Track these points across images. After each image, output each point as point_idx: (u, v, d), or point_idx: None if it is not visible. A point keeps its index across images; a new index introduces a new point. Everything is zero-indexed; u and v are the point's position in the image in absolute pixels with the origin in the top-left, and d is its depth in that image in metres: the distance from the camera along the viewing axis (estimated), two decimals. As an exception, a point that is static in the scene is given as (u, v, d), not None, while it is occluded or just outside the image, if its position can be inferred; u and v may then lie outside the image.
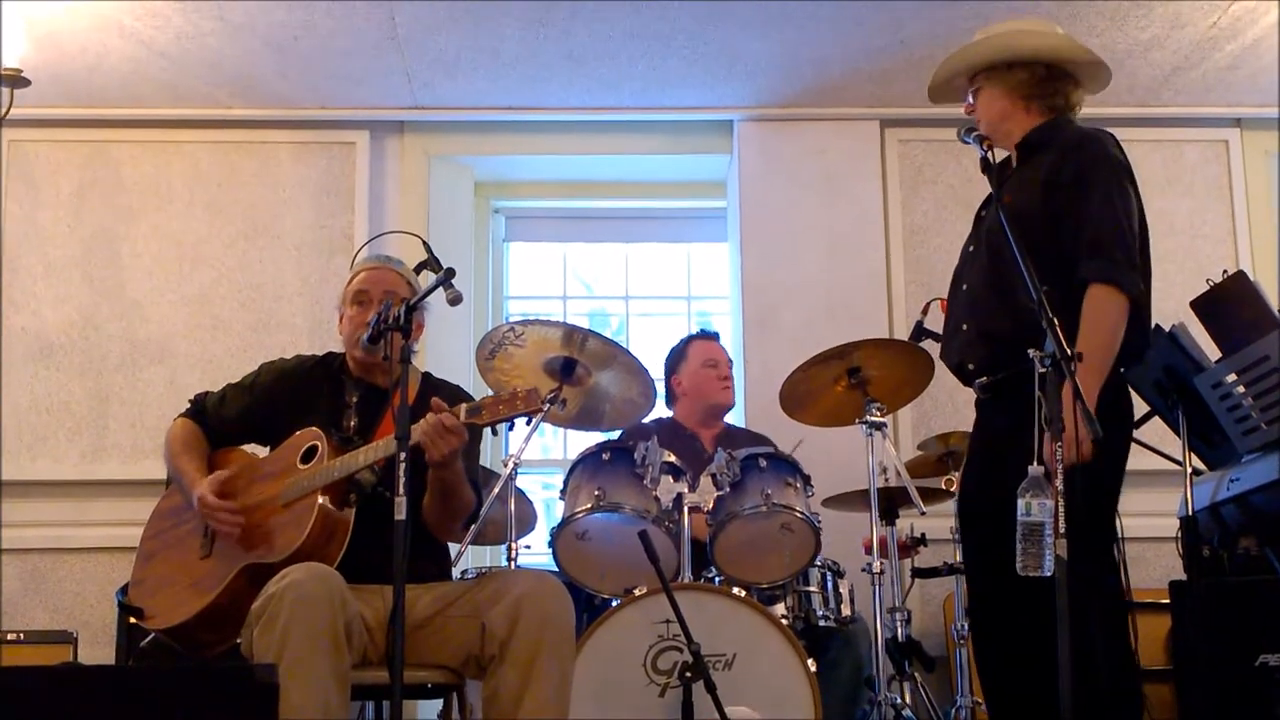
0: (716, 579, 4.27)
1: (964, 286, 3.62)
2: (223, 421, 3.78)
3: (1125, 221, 3.36)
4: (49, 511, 5.74)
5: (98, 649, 5.08)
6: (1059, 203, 3.39)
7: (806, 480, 4.36)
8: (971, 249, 3.65)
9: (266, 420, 3.73)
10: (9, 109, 5.08)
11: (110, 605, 4.97)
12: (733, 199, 6.24)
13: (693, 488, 4.29)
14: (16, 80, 5.03)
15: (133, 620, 3.65)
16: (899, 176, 6.12)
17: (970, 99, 3.69)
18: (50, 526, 5.72)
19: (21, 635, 4.97)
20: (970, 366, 3.52)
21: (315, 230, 6.02)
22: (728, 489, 4.27)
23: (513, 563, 4.42)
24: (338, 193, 6.05)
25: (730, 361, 5.27)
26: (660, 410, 5.17)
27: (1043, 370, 2.88)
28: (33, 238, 5.95)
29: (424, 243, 3.68)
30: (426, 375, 3.82)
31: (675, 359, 5.26)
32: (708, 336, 5.34)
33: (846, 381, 4.51)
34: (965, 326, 3.56)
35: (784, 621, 4.07)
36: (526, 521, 4.99)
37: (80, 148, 6.04)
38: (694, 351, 5.23)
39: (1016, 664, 3.37)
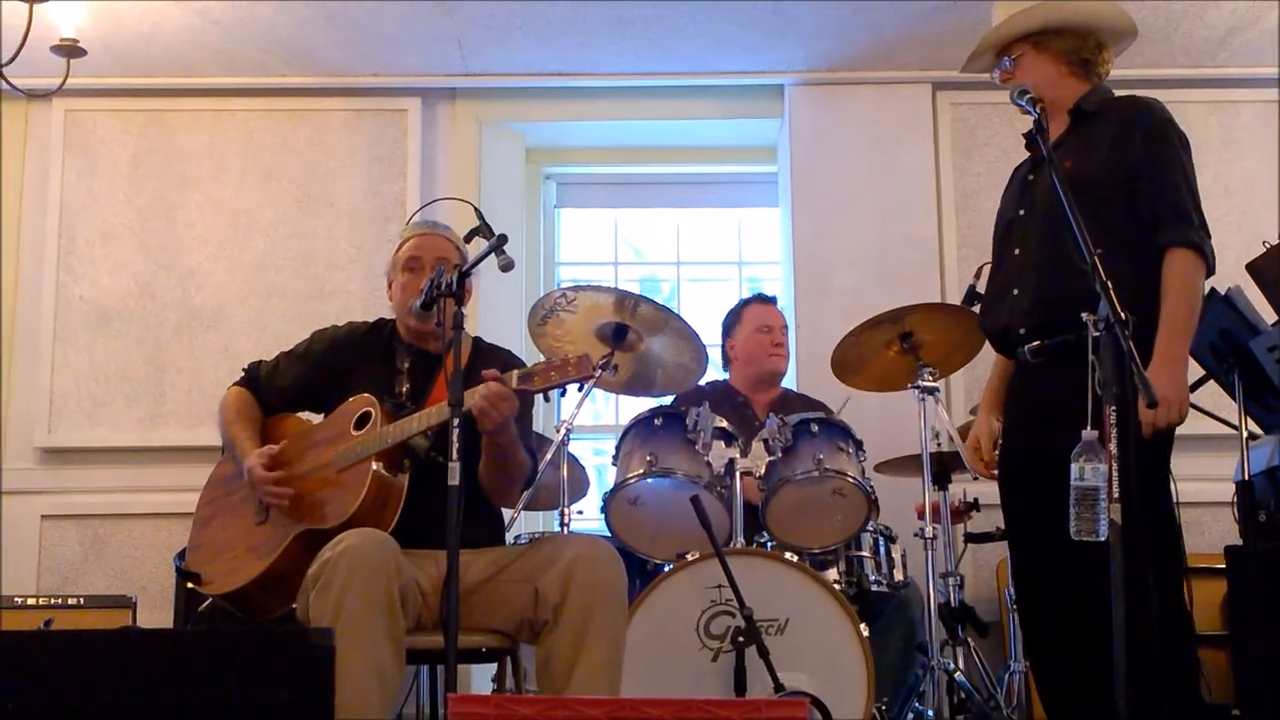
0: (768, 544, 4.28)
1: (1015, 251, 3.59)
2: (276, 390, 3.81)
3: (1195, 188, 3.41)
4: (108, 478, 5.82)
5: (156, 613, 5.15)
6: (1129, 169, 3.41)
7: (859, 445, 4.35)
8: (1022, 213, 3.63)
9: (319, 387, 3.75)
10: (66, 79, 5.11)
11: (168, 570, 5.03)
12: (784, 164, 6.21)
13: (745, 453, 4.29)
14: (73, 50, 5.06)
15: (190, 585, 3.70)
16: (951, 140, 6.08)
17: (1006, 66, 3.67)
18: (109, 492, 5.79)
19: (82, 600, 5.04)
20: (1021, 331, 3.50)
21: (368, 198, 6.04)
22: (779, 454, 4.27)
23: (565, 528, 4.44)
24: (390, 160, 6.06)
25: (785, 327, 5.25)
26: (716, 374, 5.18)
27: (1096, 334, 2.87)
28: (90, 207, 6.01)
29: (476, 209, 3.69)
30: (477, 340, 3.84)
31: (730, 323, 5.25)
32: (764, 301, 5.32)
33: (899, 346, 4.50)
34: (1016, 291, 3.54)
35: (836, 586, 4.08)
36: (579, 487, 5.00)
37: (136, 117, 6.08)
38: (748, 316, 5.21)
39: (1064, 631, 3.36)
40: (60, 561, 5.75)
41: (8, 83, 4.97)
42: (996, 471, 3.71)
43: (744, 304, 5.30)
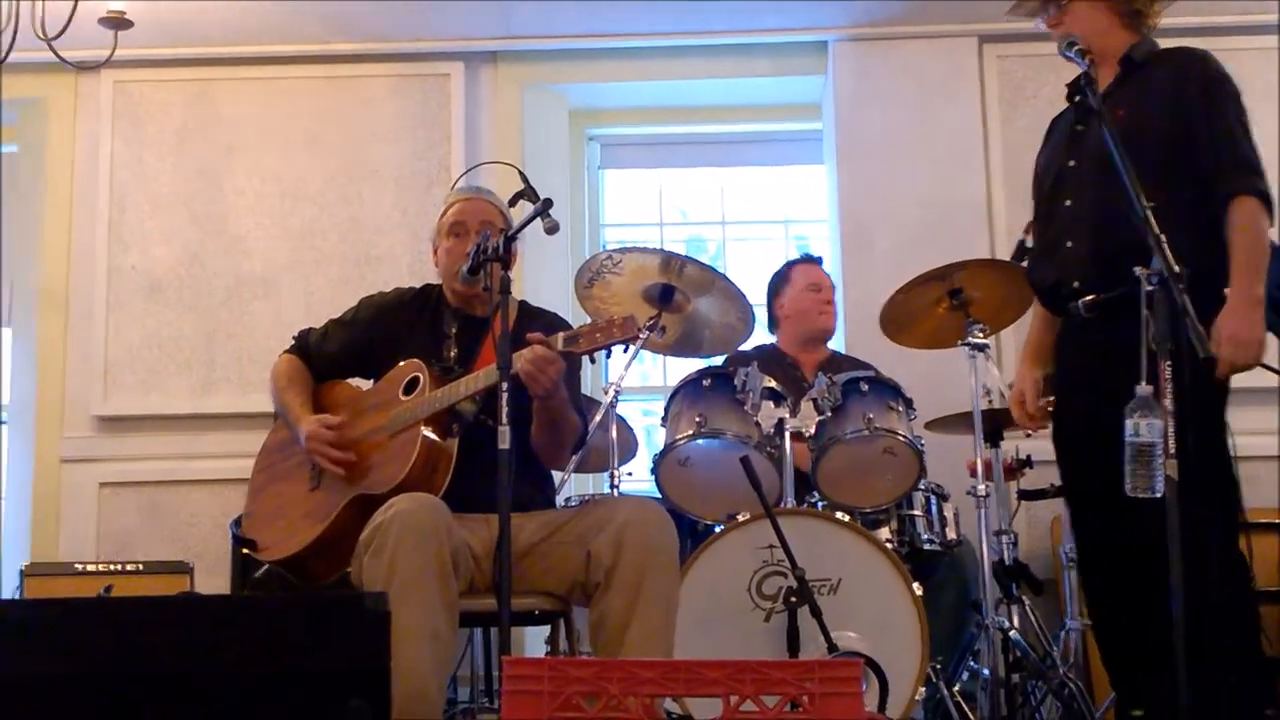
0: (819, 504, 4.27)
1: (1066, 203, 3.56)
2: (325, 356, 3.83)
3: (1252, 138, 3.40)
4: (162, 445, 5.88)
5: (214, 578, 5.20)
6: (1185, 120, 3.39)
7: (909, 403, 4.33)
8: (1073, 164, 3.59)
9: (368, 354, 3.77)
10: (114, 51, 5.14)
11: (224, 535, 5.08)
12: (828, 121, 6.18)
13: (794, 413, 4.28)
14: (120, 22, 5.10)
15: (246, 552, 3.73)
16: (998, 93, 6.01)
17: (1051, 14, 3.62)
18: (164, 459, 5.85)
19: (141, 566, 5.11)
20: (1075, 285, 3.47)
21: (413, 163, 6.05)
22: (829, 413, 4.25)
23: (615, 490, 4.45)
24: (434, 125, 6.07)
25: (833, 286, 5.23)
26: (761, 336, 5.16)
27: (1150, 288, 2.84)
28: (140, 177, 6.05)
29: (520, 173, 3.69)
30: (523, 304, 3.84)
31: (778, 283, 5.23)
32: (810, 260, 5.30)
33: (948, 303, 4.47)
34: (1070, 243, 3.50)
35: (888, 545, 4.07)
36: (628, 448, 5.01)
37: (182, 87, 6.11)
38: (796, 275, 5.20)
39: (1124, 587, 3.35)
40: (118, 528, 5.81)
41: (57, 56, 5.00)
42: (1043, 425, 3.69)
43: (791, 264, 5.28)
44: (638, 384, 6.30)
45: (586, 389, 4.83)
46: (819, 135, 6.35)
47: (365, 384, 3.82)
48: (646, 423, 6.07)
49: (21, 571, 5.12)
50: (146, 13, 5.47)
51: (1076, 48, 3.36)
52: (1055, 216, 3.60)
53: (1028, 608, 4.51)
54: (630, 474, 4.93)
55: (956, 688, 4.27)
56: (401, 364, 3.62)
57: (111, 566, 5.11)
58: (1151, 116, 3.40)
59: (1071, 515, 3.68)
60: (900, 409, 4.28)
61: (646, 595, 3.26)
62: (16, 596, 5.03)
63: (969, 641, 4.50)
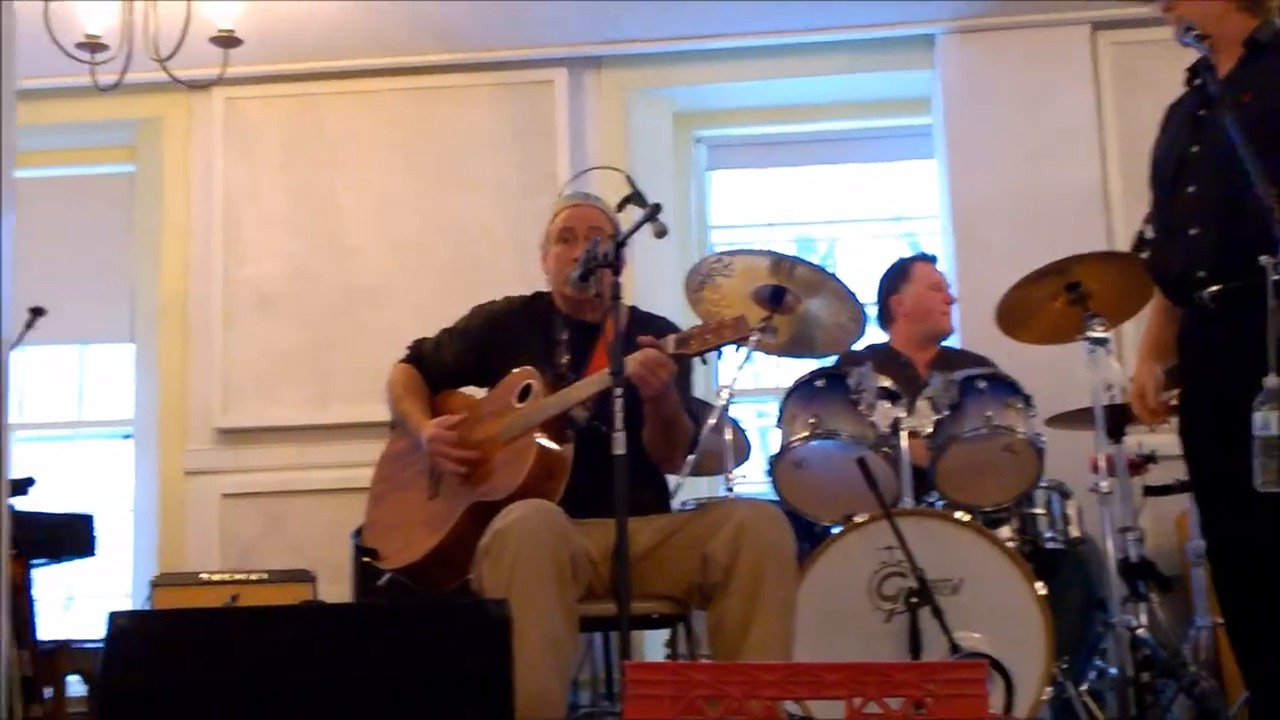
0: (938, 503, 4.23)
1: (1189, 190, 3.47)
2: (439, 366, 3.86)
3: None
4: (281, 456, 5.98)
5: (335, 586, 5.25)
6: None
7: (1028, 400, 4.27)
8: (1196, 150, 3.50)
9: (480, 362, 3.80)
10: (224, 69, 5.24)
11: (344, 544, 5.12)
12: (937, 115, 6.12)
13: (910, 412, 4.24)
14: (229, 40, 5.18)
15: (367, 560, 3.77)
16: (1112, 81, 5.91)
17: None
18: (283, 470, 5.95)
19: (265, 575, 5.17)
20: (1200, 274, 3.38)
21: (518, 171, 6.08)
22: (946, 412, 4.21)
23: (730, 492, 4.43)
24: (538, 133, 6.10)
25: (950, 286, 5.18)
26: (869, 335, 5.12)
27: (1276, 277, 2.78)
28: (251, 192, 6.15)
29: (627, 177, 3.69)
30: (634, 309, 3.84)
31: (896, 279, 5.15)
32: (927, 259, 5.25)
33: (1065, 297, 4.39)
34: (1194, 232, 3.41)
35: (1010, 545, 4.02)
36: (742, 451, 4.99)
37: (290, 102, 6.21)
38: (918, 273, 5.13)
39: (1256, 583, 3.27)
40: (241, 538, 5.92)
41: (170, 76, 5.11)
42: (1164, 420, 3.61)
43: (910, 261, 5.21)
44: (751, 386, 6.28)
45: (699, 392, 4.83)
46: (928, 130, 6.28)
47: (479, 392, 3.85)
48: (760, 424, 6.05)
49: (151, 582, 5.21)
50: (254, 30, 5.55)
51: (1194, 33, 3.29)
52: (1177, 204, 3.50)
53: (1155, 605, 4.42)
54: (745, 477, 4.92)
55: (1084, 687, 4.20)
56: (515, 371, 3.64)
57: (236, 576, 5.17)
58: None
59: (1200, 512, 3.59)
60: (1019, 406, 4.22)
61: (765, 597, 3.26)
62: (146, 607, 5.11)
63: (1095, 640, 4.43)
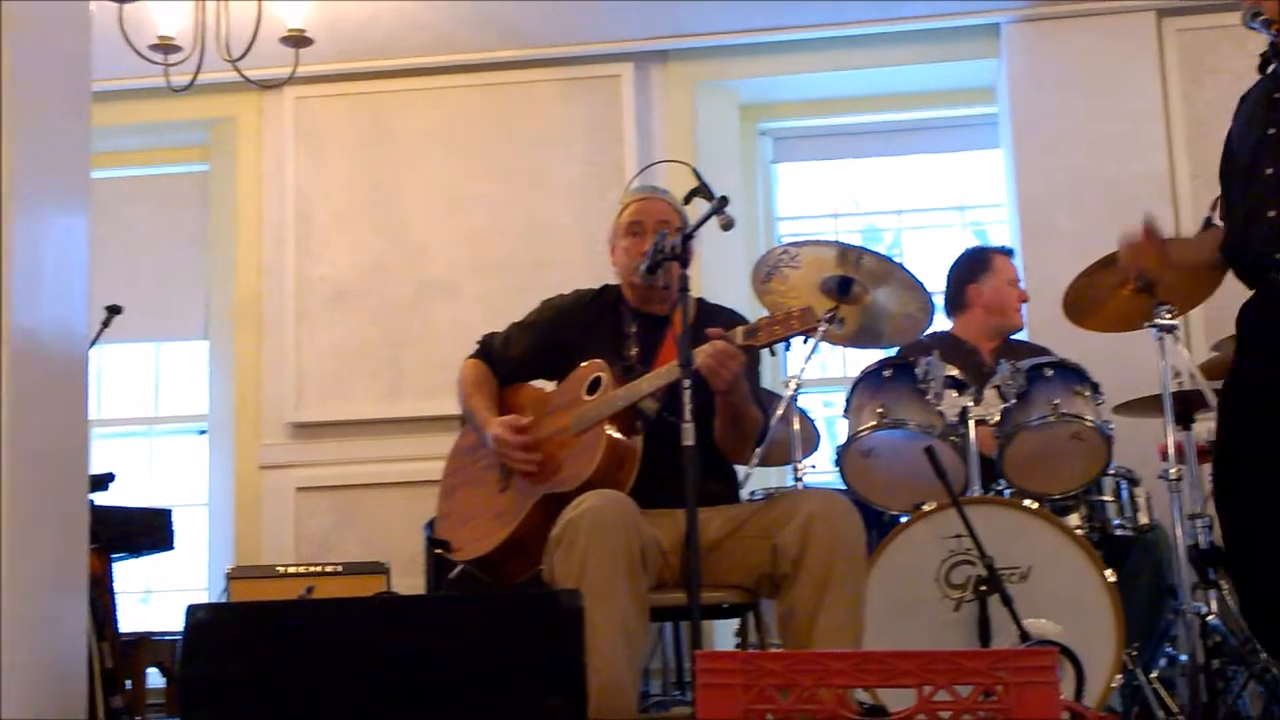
0: (1006, 492, 4.23)
1: (1267, 171, 3.43)
2: (509, 360, 3.90)
3: None
4: (355, 450, 6.06)
5: (409, 578, 5.31)
6: None
7: (1095, 388, 4.26)
8: (1272, 132, 3.47)
9: (550, 356, 3.82)
10: (295, 68, 5.31)
11: (417, 536, 5.18)
12: (1003, 104, 6.10)
13: (977, 401, 4.25)
14: (300, 40, 5.25)
15: (440, 552, 3.82)
16: (1179, 67, 5.87)
17: None
18: (357, 464, 6.04)
19: (340, 567, 5.24)
20: (1278, 256, 3.35)
21: (586, 165, 6.13)
22: (1014, 400, 4.21)
23: (799, 483, 4.45)
24: (605, 126, 6.14)
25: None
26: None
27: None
28: (323, 190, 6.24)
29: (694, 171, 3.71)
30: (701, 301, 3.86)
31: (976, 268, 5.10)
32: (1007, 253, 5.22)
33: (1133, 285, 4.38)
34: (1272, 213, 3.38)
35: (1079, 532, 4.02)
36: (810, 441, 5.01)
37: (359, 100, 6.29)
38: (999, 266, 5.09)
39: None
40: (315, 531, 6.01)
41: (242, 76, 5.19)
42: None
43: (992, 252, 5.16)
44: (818, 376, 6.29)
45: (767, 383, 4.85)
46: (994, 119, 6.27)
47: (549, 386, 3.88)
48: (828, 414, 6.06)
49: (227, 575, 5.28)
50: (324, 29, 5.63)
51: (1261, 18, 3.27)
52: (1254, 185, 3.47)
53: (1225, 592, 4.40)
54: (814, 467, 4.93)
55: (1154, 674, 4.19)
56: (584, 365, 3.67)
57: (311, 568, 5.23)
58: None
59: (1218, 478, 3.54)
60: (1087, 394, 4.21)
61: (834, 587, 3.27)
62: (223, 599, 5.19)
63: (1165, 627, 4.41)
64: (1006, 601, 3.61)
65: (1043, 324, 5.23)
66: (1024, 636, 3.58)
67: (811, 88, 6.42)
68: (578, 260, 5.99)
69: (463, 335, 4.23)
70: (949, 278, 5.14)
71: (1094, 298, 4.49)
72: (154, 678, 5.04)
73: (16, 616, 2.58)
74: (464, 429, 3.96)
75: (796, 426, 4.49)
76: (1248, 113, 3.61)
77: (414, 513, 5.73)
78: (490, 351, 3.94)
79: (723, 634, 5.39)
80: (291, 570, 5.23)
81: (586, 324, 3.85)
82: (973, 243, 5.62)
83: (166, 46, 5.18)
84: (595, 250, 5.81)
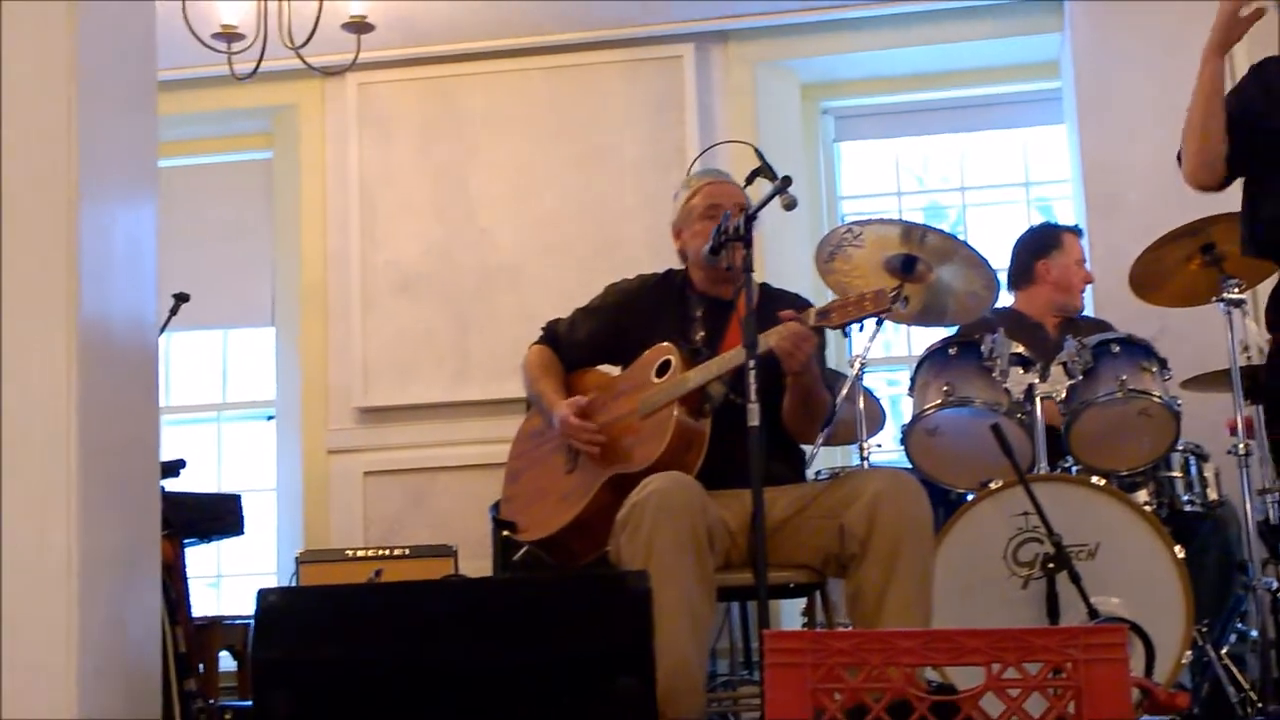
0: (1073, 469, 4.20)
1: None
2: (575, 345, 3.91)
3: None
4: (422, 434, 6.10)
5: (475, 561, 5.33)
6: None
7: (1163, 363, 4.22)
8: None
9: (615, 340, 3.84)
10: (357, 55, 5.34)
11: (484, 519, 5.21)
12: (1067, 79, 6.04)
13: (1043, 377, 4.22)
14: (362, 26, 5.28)
15: (506, 534, 3.85)
16: (1245, 40, 5.77)
17: None
18: (424, 448, 6.07)
19: (408, 550, 5.27)
20: None
21: (648, 147, 6.13)
22: (1080, 377, 4.18)
23: (865, 462, 4.45)
24: (667, 108, 6.13)
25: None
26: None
27: None
28: (387, 176, 6.27)
29: (756, 151, 3.70)
30: (765, 286, 3.85)
31: (1048, 243, 5.04)
32: (1078, 232, 5.18)
33: (1200, 259, 4.33)
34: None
35: (1147, 508, 3.99)
36: (875, 420, 4.99)
37: (422, 86, 6.30)
38: (1069, 244, 5.04)
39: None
40: (384, 515, 6.06)
41: (305, 63, 5.23)
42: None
43: (1063, 230, 5.11)
44: (881, 354, 6.27)
45: (831, 363, 4.84)
46: (1058, 94, 6.20)
47: (614, 370, 3.90)
48: (891, 392, 6.05)
49: (297, 559, 5.34)
50: (384, 15, 5.65)
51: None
52: None
53: (1296, 568, 4.36)
54: (879, 446, 4.91)
55: (1224, 650, 4.16)
56: (653, 348, 3.68)
57: (380, 551, 5.26)
58: None
59: None
60: (1154, 369, 4.18)
61: (902, 566, 3.28)
62: (293, 583, 5.24)
63: (1235, 603, 4.37)
64: (1075, 579, 3.59)
65: (1110, 299, 5.19)
66: (1093, 614, 3.57)
67: (873, 65, 6.38)
68: (641, 242, 5.99)
69: (528, 319, 4.25)
70: (1016, 252, 5.09)
71: (1160, 272, 4.46)
72: (225, 661, 5.10)
73: (91, 603, 2.62)
74: (529, 413, 3.98)
75: (861, 405, 4.48)
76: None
77: (481, 496, 5.76)
78: (556, 337, 3.95)
79: (789, 613, 5.40)
80: (360, 554, 5.26)
81: (652, 308, 3.86)
82: (1038, 219, 5.56)
83: (230, 35, 5.23)
84: (659, 231, 5.76)
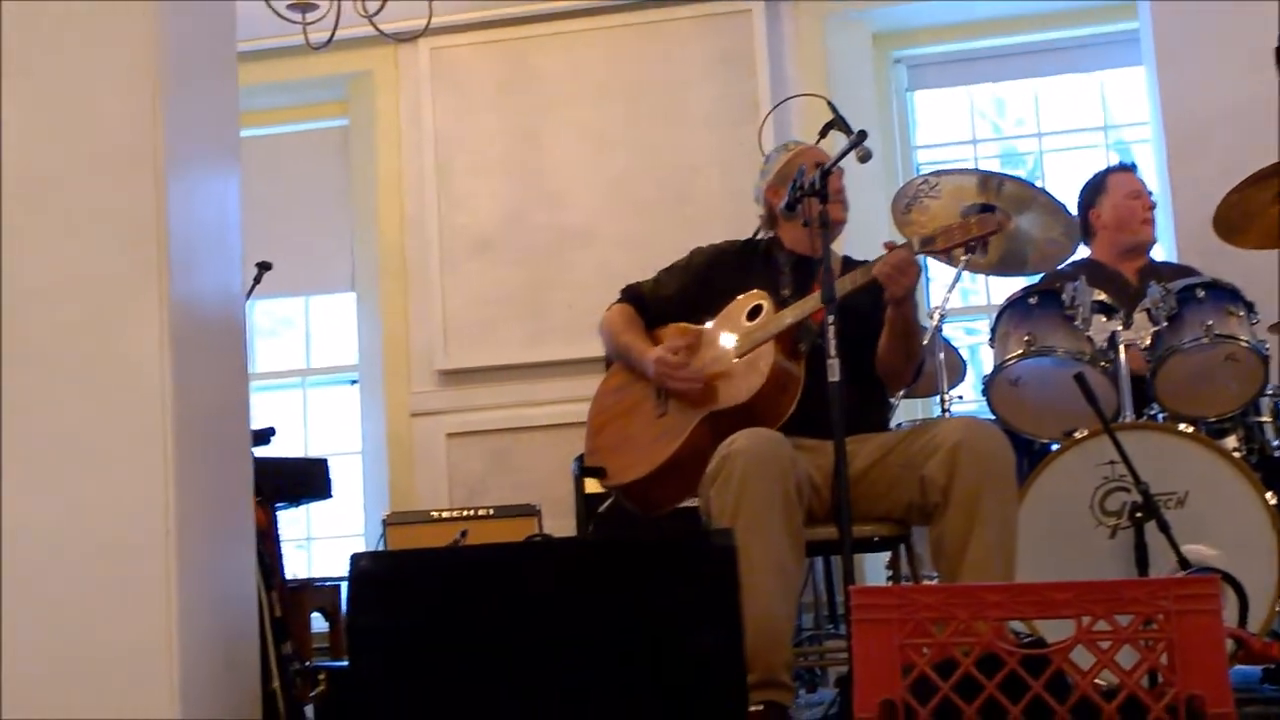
0: (1159, 416, 4.17)
1: None
2: (661, 300, 3.91)
3: None
4: (502, 394, 6.15)
5: (559, 520, 5.39)
6: None
7: (1250, 307, 4.16)
8: None
9: (703, 295, 3.83)
10: (430, 20, 5.37)
11: (566, 478, 5.26)
12: (1145, 18, 5.93)
13: (1127, 325, 4.18)
14: (436, -11, 5.32)
15: (591, 482, 3.84)
16: (1249, 26, 5.66)
17: None
18: (505, 408, 6.13)
19: (492, 510, 5.33)
20: None
21: (720, 102, 6.11)
22: (1165, 323, 4.14)
23: (946, 413, 4.43)
24: (738, 63, 6.11)
25: (1151, 194, 5.06)
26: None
27: None
28: (461, 139, 6.30)
29: (830, 104, 3.69)
30: (847, 258, 3.82)
31: (1092, 192, 5.04)
32: (1126, 168, 5.12)
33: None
34: None
35: (1236, 455, 3.95)
36: (956, 371, 4.97)
37: (494, 48, 6.33)
38: (1114, 184, 5.01)
39: None
40: (467, 475, 6.12)
41: (378, 30, 5.25)
42: None
43: (1106, 173, 5.08)
44: (959, 304, 6.23)
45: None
46: (1135, 36, 6.10)
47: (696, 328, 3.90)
48: (971, 341, 6.02)
49: (383, 521, 5.40)
50: (457, -24, 5.68)
51: None
52: None
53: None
54: (960, 397, 4.89)
55: (1319, 597, 4.11)
56: (743, 295, 3.70)
57: (464, 512, 5.32)
58: None
59: None
60: (1241, 314, 4.12)
61: (983, 515, 3.26)
62: (380, 545, 5.31)
63: (1330, 550, 4.32)
64: (1164, 528, 3.56)
65: (1193, 243, 5.12)
66: (1183, 563, 3.54)
67: (944, 12, 6.31)
68: (716, 196, 5.99)
69: (605, 277, 4.28)
70: (1077, 209, 5.06)
71: (1245, 214, 4.38)
72: (317, 622, 5.18)
73: (189, 572, 2.68)
74: (608, 372, 3.99)
75: (942, 357, 4.46)
76: None
77: (562, 455, 5.81)
78: (639, 296, 3.95)
79: (873, 566, 5.40)
80: (445, 515, 5.33)
81: (739, 265, 3.87)
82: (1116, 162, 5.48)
83: (304, 5, 5.26)
84: (732, 187, 5.81)
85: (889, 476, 3.44)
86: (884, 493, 3.44)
